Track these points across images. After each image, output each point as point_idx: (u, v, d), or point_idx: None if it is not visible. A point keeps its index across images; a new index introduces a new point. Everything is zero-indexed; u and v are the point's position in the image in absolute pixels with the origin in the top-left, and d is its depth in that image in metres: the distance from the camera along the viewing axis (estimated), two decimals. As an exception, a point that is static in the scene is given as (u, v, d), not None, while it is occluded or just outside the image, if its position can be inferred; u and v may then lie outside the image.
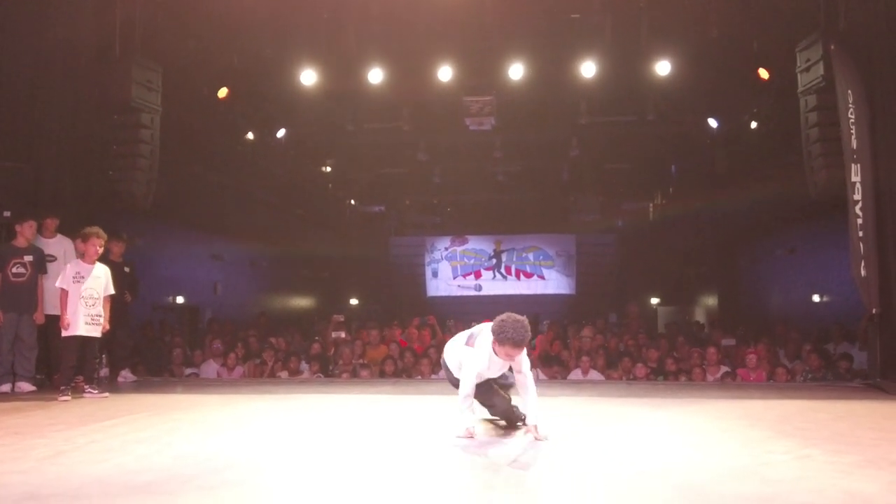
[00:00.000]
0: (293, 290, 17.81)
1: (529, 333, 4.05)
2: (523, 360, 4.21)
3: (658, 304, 17.60)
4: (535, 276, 19.32)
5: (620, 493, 3.15)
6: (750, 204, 13.28)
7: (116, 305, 7.50)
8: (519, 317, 4.04)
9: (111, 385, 7.60)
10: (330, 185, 17.92)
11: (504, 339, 3.98)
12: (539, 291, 19.05)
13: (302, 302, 18.32)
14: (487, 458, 3.80)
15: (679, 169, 16.42)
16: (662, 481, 3.36)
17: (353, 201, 19.70)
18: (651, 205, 18.98)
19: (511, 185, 17.68)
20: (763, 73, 10.09)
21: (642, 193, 18.50)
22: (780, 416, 5.25)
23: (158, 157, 8.53)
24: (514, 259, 19.42)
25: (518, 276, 19.34)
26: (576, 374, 8.59)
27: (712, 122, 13.36)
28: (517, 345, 3.99)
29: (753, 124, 12.28)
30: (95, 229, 6.55)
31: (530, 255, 19.41)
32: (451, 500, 3.11)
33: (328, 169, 17.00)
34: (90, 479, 3.37)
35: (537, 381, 4.84)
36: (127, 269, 8.00)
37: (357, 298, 18.74)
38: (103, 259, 6.81)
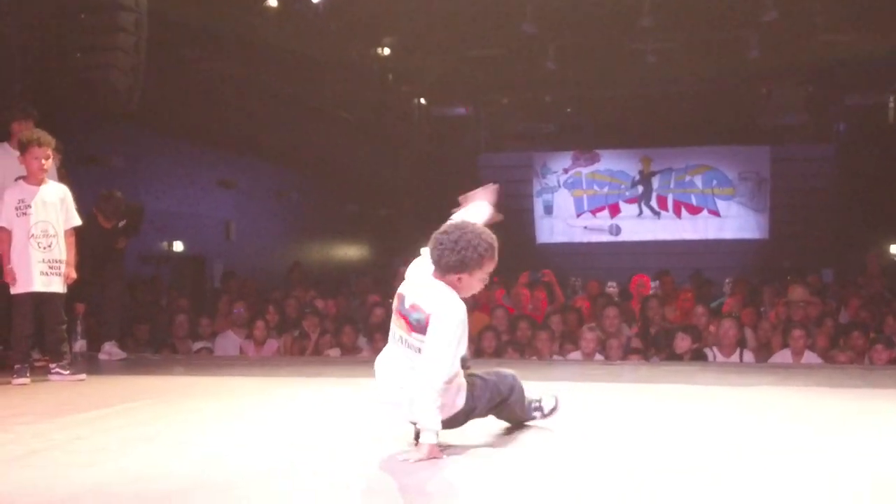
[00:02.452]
0: (337, 232, 18.05)
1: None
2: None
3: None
4: (704, 212, 19.10)
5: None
6: None
7: (105, 249, 7.81)
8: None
9: (91, 364, 7.89)
10: (390, 76, 17.97)
11: (484, 255, 3.91)
12: (712, 236, 18.87)
13: (350, 250, 18.57)
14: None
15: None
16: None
17: (423, 100, 19.74)
18: (892, 98, 18.40)
19: (667, 71, 17.32)
20: None
21: (877, 80, 17.83)
22: None
23: (146, 33, 8.70)
24: (672, 185, 19.23)
25: (678, 212, 19.17)
26: (782, 357, 8.45)
27: None
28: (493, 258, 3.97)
29: None
30: (36, 133, 6.69)
31: (697, 179, 19.15)
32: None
33: (386, 51, 17.02)
34: (81, 487, 3.50)
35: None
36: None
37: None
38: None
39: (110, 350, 8.34)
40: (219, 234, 14.14)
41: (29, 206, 6.66)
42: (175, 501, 3.32)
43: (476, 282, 3.97)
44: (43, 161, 6.66)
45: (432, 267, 3.98)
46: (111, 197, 8.19)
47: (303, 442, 4.42)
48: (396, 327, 4.03)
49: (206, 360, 8.49)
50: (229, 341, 9.41)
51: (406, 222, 18.81)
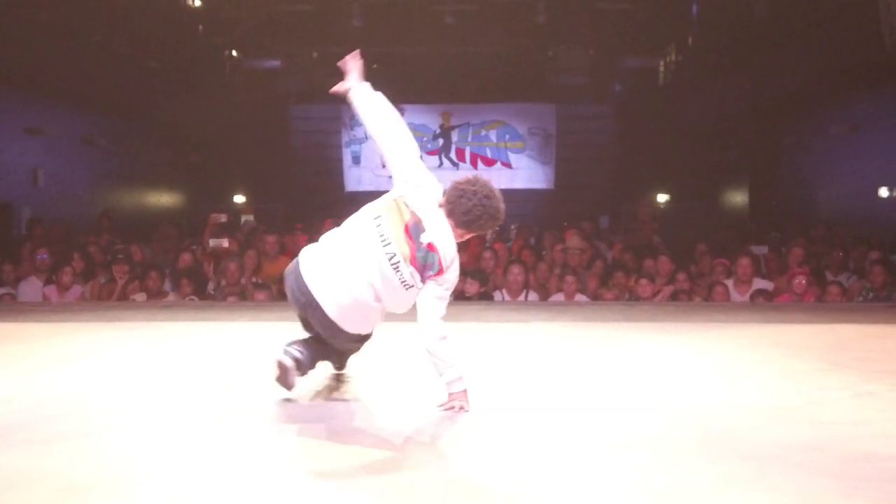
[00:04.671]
0: (150, 180, 17.52)
1: None
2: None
3: (668, 202, 17.97)
4: (498, 164, 19.49)
5: (632, 442, 3.24)
6: (798, 63, 13.42)
7: None
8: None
9: None
10: (200, 28, 17.31)
11: (490, 228, 3.90)
12: (504, 185, 18.23)
13: (163, 198, 18.01)
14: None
15: (703, 11, 16.41)
16: (685, 426, 3.47)
17: (234, 52, 19.16)
18: (662, 63, 19.11)
19: (465, 32, 17.43)
20: None
21: (650, 46, 18.55)
22: (832, 344, 5.50)
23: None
24: (469, 139, 19.52)
25: (474, 163, 19.48)
26: (557, 298, 8.77)
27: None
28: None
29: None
30: None
31: (492, 134, 19.52)
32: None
33: (197, 2, 16.38)
34: None
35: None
36: None
37: (244, 193, 18.52)
38: None
39: None
40: (26, 182, 13.36)
41: None
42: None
43: (461, 237, 3.78)
44: None
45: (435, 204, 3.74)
46: None
47: (106, 383, 4.31)
48: (393, 241, 3.64)
49: (8, 306, 8.08)
50: (33, 287, 8.97)
51: (217, 170, 18.37)
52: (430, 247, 3.64)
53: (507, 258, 9.71)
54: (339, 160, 19.60)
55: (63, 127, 14.23)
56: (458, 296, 8.77)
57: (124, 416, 3.66)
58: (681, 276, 8.98)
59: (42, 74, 12.75)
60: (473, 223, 3.70)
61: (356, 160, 19.60)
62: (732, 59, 15.78)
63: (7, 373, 4.57)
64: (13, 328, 6.28)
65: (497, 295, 8.98)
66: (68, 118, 14.40)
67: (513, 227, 12.21)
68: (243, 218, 14.09)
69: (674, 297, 8.77)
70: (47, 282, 8.94)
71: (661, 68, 19.24)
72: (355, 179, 19.54)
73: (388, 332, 4.34)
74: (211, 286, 9.25)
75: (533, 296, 8.99)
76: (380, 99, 4.00)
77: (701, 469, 2.90)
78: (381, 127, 3.93)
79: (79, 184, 14.69)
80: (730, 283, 8.91)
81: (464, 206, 3.66)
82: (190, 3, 16.30)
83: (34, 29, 12.42)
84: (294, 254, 9.99)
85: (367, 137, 19.37)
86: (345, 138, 19.64)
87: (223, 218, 11.22)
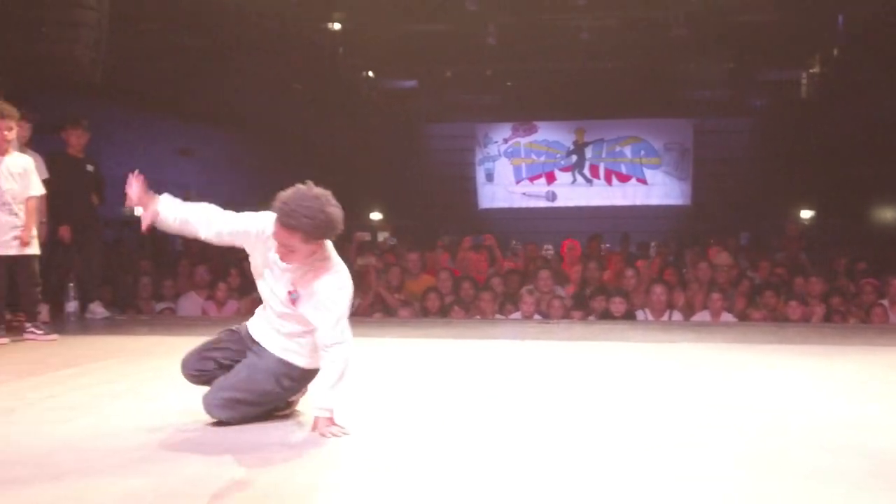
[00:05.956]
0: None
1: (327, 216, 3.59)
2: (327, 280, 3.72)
3: (811, 219, 17.44)
4: (633, 180, 19.27)
5: (809, 474, 3.17)
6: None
7: (84, 215, 7.80)
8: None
9: (80, 322, 7.99)
10: (340, 50, 17.77)
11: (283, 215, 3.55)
12: (640, 202, 19.08)
13: (304, 215, 18.44)
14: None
15: (850, 20, 15.86)
16: (849, 453, 3.37)
17: (371, 73, 19.58)
18: (804, 75, 18.39)
19: (600, 48, 17.34)
20: None
21: (792, 58, 18.03)
22: None
23: (108, 8, 8.56)
24: (604, 154, 19.35)
25: (609, 180, 19.32)
26: (702, 317, 8.64)
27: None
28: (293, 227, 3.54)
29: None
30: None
31: (627, 150, 19.32)
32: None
33: (337, 26, 16.84)
34: (56, 443, 3.55)
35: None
36: (90, 168, 8.34)
37: (380, 211, 18.88)
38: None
39: (94, 310, 8.52)
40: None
41: None
42: (143, 454, 3.38)
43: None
44: (6, 132, 6.64)
45: None
46: (79, 124, 8.35)
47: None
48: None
49: (170, 321, 8.50)
50: (192, 302, 9.39)
51: (355, 188, 18.74)
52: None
53: (650, 277, 9.63)
54: (473, 178, 19.74)
55: (213, 148, 14.82)
56: (604, 315, 8.76)
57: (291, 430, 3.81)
58: (836, 298, 8.71)
59: (194, 99, 13.35)
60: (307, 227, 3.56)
61: (489, 177, 19.71)
62: (881, 71, 15.16)
63: (173, 386, 4.81)
64: (178, 342, 6.59)
65: (639, 314, 8.90)
66: (218, 140, 14.98)
67: (653, 244, 12.09)
68: (380, 235, 14.41)
69: (827, 318, 8.51)
70: (207, 297, 9.34)
71: (804, 80, 18.62)
72: (489, 197, 19.64)
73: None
74: (356, 303, 9.50)
75: (676, 315, 8.88)
76: (184, 206, 3.97)
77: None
78: (210, 225, 3.96)
79: (227, 202, 15.23)
80: (884, 303, 8.60)
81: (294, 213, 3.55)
82: (330, 26, 16.79)
83: (186, 56, 13.03)
84: (435, 271, 10.24)
85: (500, 155, 19.57)
86: (478, 156, 19.77)
87: (367, 236, 11.52)
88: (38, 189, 6.94)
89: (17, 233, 6.70)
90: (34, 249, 6.84)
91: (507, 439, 3.63)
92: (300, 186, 3.63)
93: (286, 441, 3.60)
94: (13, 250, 6.71)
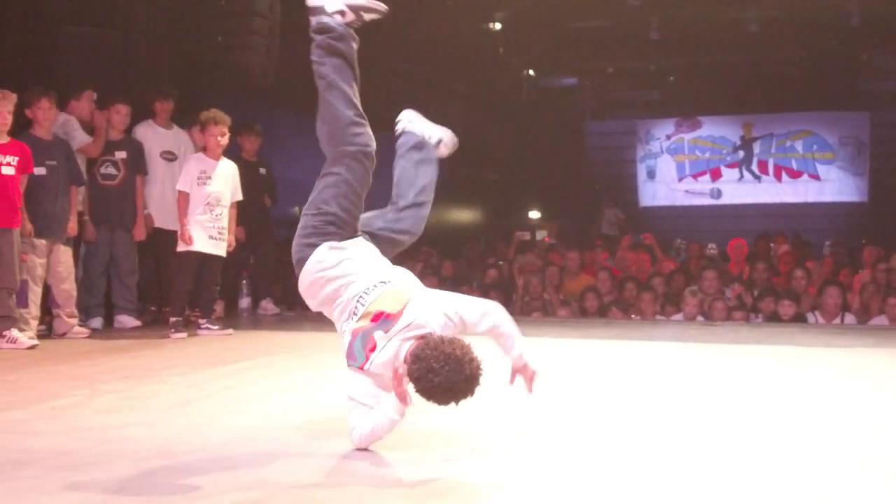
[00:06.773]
0: (451, 197, 18.12)
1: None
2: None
3: None
4: (804, 176, 18.52)
5: None
6: None
7: (257, 216, 8.26)
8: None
9: (252, 318, 8.42)
10: (501, 50, 17.88)
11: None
12: (812, 199, 18.35)
13: (462, 214, 18.66)
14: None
15: None
16: None
17: (531, 71, 19.60)
18: None
19: (769, 39, 16.77)
20: None
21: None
22: None
23: (280, 17, 8.93)
24: (773, 150, 18.70)
25: (778, 176, 18.65)
26: (879, 321, 8.23)
27: None
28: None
29: None
30: (213, 113, 7.05)
31: (798, 144, 18.58)
32: None
33: (497, 26, 16.95)
34: (230, 433, 3.73)
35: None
36: (263, 171, 8.77)
37: (539, 210, 18.87)
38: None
39: (266, 306, 8.98)
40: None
41: (209, 178, 7.14)
42: (314, 446, 3.50)
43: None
44: (219, 137, 7.08)
45: None
46: (253, 129, 8.80)
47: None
48: (352, 320, 3.61)
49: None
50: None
51: (514, 187, 18.81)
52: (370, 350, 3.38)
53: (822, 277, 9.24)
54: (634, 175, 19.46)
55: (378, 151, 15.21)
56: (771, 317, 8.47)
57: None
58: None
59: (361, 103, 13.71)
60: (429, 398, 3.23)
61: (651, 175, 19.37)
62: None
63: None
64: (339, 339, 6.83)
65: (810, 317, 8.55)
66: (383, 141, 15.36)
67: (827, 243, 11.58)
68: (538, 234, 14.41)
69: None
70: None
71: None
72: (650, 194, 19.30)
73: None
74: (516, 301, 9.54)
75: (850, 318, 8.48)
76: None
77: None
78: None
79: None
80: None
81: (427, 383, 3.17)
82: (490, 26, 16.93)
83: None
84: (594, 270, 10.18)
85: (662, 151, 19.23)
86: (639, 153, 19.46)
87: (527, 235, 11.58)
88: (240, 195, 7.38)
89: (213, 233, 7.14)
90: (223, 252, 7.26)
91: (662, 446, 3.57)
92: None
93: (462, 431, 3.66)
94: (208, 248, 7.12)
